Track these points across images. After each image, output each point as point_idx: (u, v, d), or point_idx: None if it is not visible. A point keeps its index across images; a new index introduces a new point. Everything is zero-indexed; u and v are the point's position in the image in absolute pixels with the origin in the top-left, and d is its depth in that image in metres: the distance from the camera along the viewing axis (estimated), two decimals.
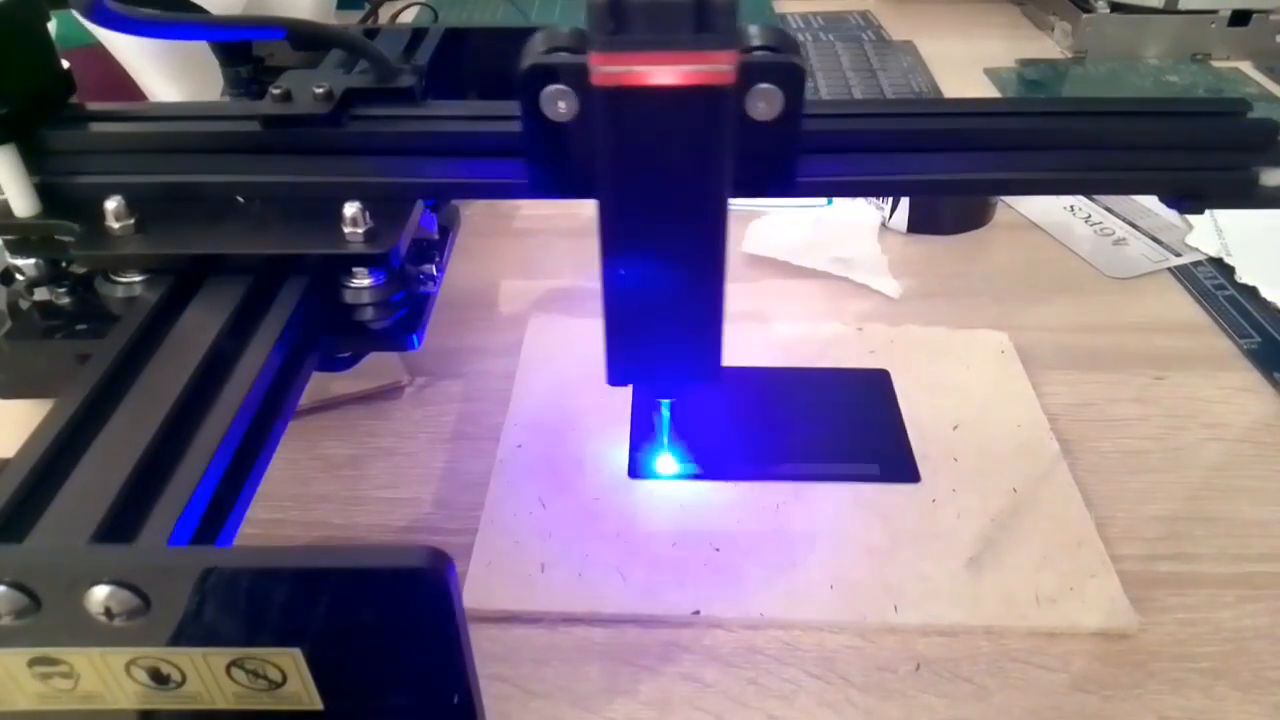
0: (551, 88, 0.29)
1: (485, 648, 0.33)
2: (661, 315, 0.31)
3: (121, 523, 0.25)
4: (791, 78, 0.29)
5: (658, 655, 0.33)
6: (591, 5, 0.25)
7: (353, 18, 0.78)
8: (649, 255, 0.30)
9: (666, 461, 0.40)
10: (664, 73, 0.26)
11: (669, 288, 0.30)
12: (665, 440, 0.40)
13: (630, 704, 0.32)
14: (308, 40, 0.37)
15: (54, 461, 0.27)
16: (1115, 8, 0.80)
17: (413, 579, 0.23)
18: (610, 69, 0.26)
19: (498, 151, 0.35)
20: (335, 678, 0.25)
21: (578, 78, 0.28)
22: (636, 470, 0.40)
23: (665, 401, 0.39)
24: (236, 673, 0.25)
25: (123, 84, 0.56)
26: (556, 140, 0.30)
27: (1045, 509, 0.38)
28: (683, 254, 0.30)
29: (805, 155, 0.32)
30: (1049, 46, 0.85)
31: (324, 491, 0.40)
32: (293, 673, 0.25)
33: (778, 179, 0.32)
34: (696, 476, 0.40)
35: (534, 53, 0.29)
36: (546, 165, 0.31)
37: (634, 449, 0.41)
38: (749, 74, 0.29)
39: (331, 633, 0.24)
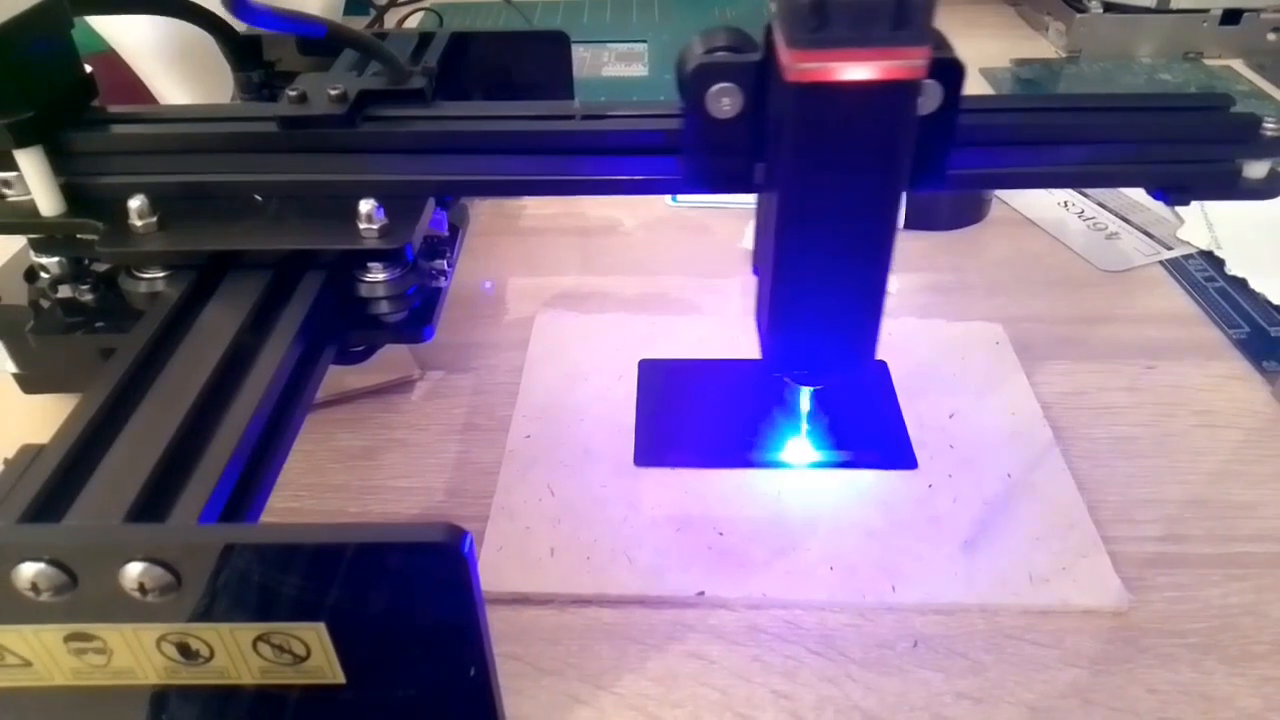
0: (718, 86, 0.30)
1: (498, 628, 0.34)
2: (826, 305, 0.32)
3: (152, 505, 0.26)
4: (952, 74, 0.30)
5: (664, 634, 0.35)
6: (792, 5, 0.26)
7: (359, 23, 0.79)
8: (824, 246, 0.30)
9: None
10: (863, 69, 0.27)
11: (839, 277, 0.31)
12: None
13: (638, 680, 0.33)
14: (334, 41, 0.39)
15: (87, 447, 0.28)
16: (1108, 7, 0.81)
17: (432, 553, 0.24)
18: (809, 65, 0.27)
19: (507, 150, 0.36)
20: (356, 651, 0.26)
21: (746, 76, 0.30)
22: (642, 458, 0.41)
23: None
24: (262, 647, 0.26)
25: (134, 89, 0.57)
26: (717, 137, 0.31)
27: (1038, 493, 0.39)
28: (857, 245, 0.30)
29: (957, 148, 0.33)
30: (1043, 46, 0.86)
31: (339, 481, 0.41)
32: (316, 647, 0.26)
33: (931, 172, 0.33)
34: (702, 464, 0.41)
35: (696, 55, 0.31)
36: (705, 161, 0.33)
37: (639, 437, 0.42)
38: None
39: (353, 607, 0.25)
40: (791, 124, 0.28)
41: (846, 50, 0.26)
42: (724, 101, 0.30)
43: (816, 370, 0.35)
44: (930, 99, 0.31)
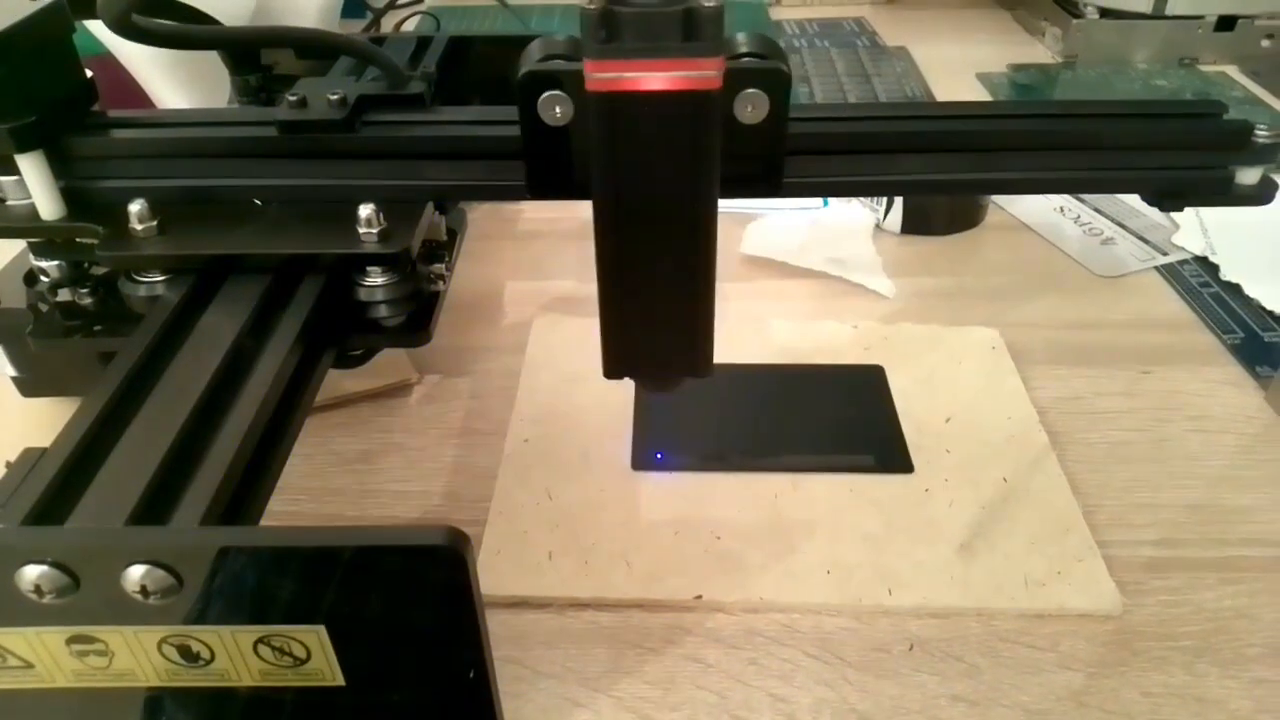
0: (548, 94, 0.30)
1: (496, 631, 0.34)
2: (654, 311, 0.32)
3: (154, 508, 0.27)
4: (776, 83, 0.31)
5: (662, 637, 0.35)
6: (584, 15, 0.26)
7: (356, 26, 0.79)
8: (641, 253, 0.31)
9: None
10: (654, 79, 0.27)
11: (661, 285, 0.31)
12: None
13: (636, 683, 0.33)
14: (325, 49, 0.39)
15: (89, 451, 0.28)
16: (1104, 13, 0.82)
17: (432, 555, 0.24)
18: (603, 75, 0.27)
19: (506, 155, 0.36)
20: (356, 654, 0.26)
21: (573, 84, 0.30)
22: (640, 462, 0.41)
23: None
24: (263, 649, 0.26)
25: (131, 92, 0.57)
26: (553, 144, 0.32)
27: (1034, 497, 0.39)
28: (674, 252, 0.31)
29: (793, 156, 0.33)
30: (1040, 51, 0.86)
31: (337, 485, 0.41)
32: (316, 649, 0.26)
33: (765, 180, 0.34)
34: (700, 469, 0.41)
35: (530, 60, 0.31)
36: (544, 168, 0.33)
37: (637, 442, 0.42)
38: (736, 79, 0.30)
39: (354, 609, 0.25)
40: (595, 132, 0.28)
41: (637, 61, 0.27)
42: (555, 109, 0.31)
43: (652, 376, 0.35)
44: (757, 108, 0.31)
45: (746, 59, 0.31)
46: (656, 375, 0.35)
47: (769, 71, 0.31)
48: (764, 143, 0.32)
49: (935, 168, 0.37)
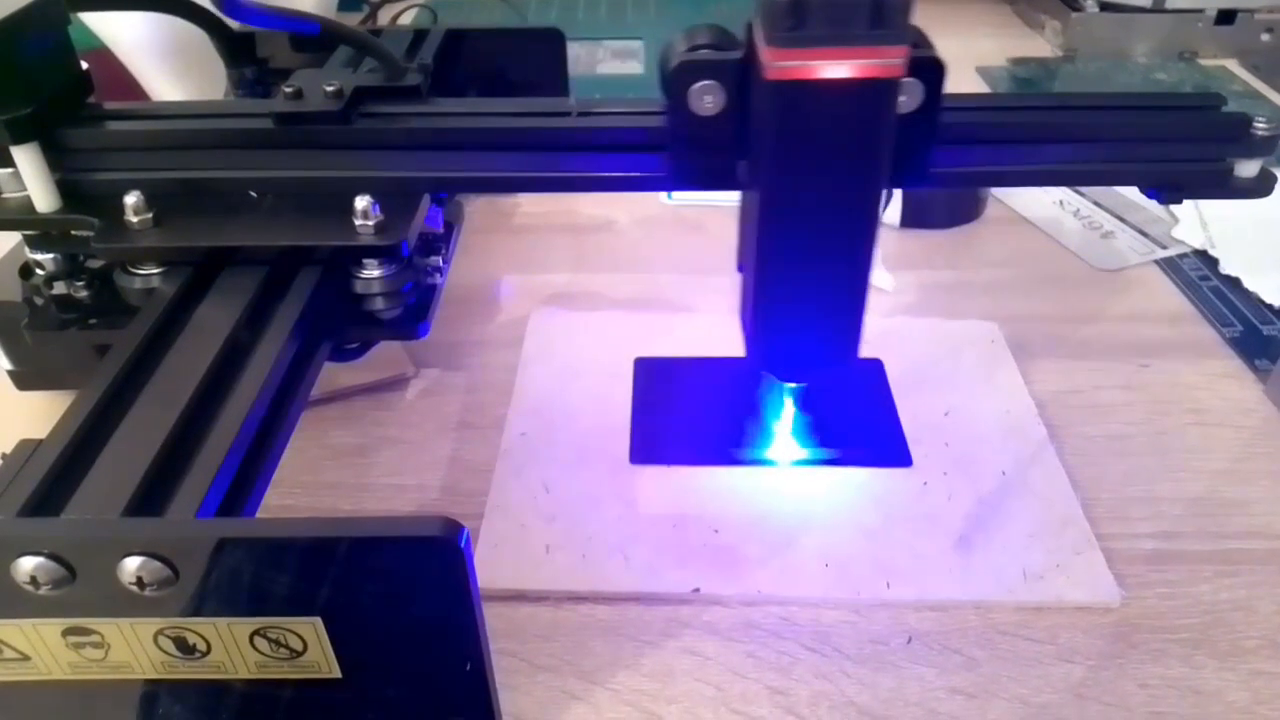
0: (700, 83, 0.30)
1: (493, 625, 0.34)
2: (810, 301, 0.32)
3: (150, 499, 0.27)
4: (933, 72, 0.31)
5: (659, 631, 0.35)
6: (770, 3, 0.26)
7: (353, 19, 0.79)
8: (804, 242, 0.30)
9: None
10: (841, 67, 0.27)
11: (821, 274, 0.31)
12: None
13: (633, 676, 0.33)
14: (326, 38, 0.39)
15: (84, 442, 0.28)
16: (1104, 7, 0.82)
17: (428, 547, 0.24)
18: (786, 64, 0.27)
19: (502, 146, 0.36)
20: (353, 646, 0.26)
21: (729, 74, 0.30)
22: (638, 456, 0.41)
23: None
24: (259, 642, 0.26)
25: (126, 86, 0.57)
26: (701, 134, 0.32)
27: (1033, 490, 0.39)
28: (838, 242, 0.31)
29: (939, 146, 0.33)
30: (1040, 45, 0.86)
31: (333, 479, 0.41)
32: (313, 641, 0.26)
33: (914, 170, 0.33)
34: (697, 462, 0.41)
35: (678, 52, 0.31)
36: (690, 158, 0.33)
37: (635, 435, 0.42)
38: None
39: (350, 601, 0.25)
40: (771, 121, 0.28)
41: (824, 49, 0.27)
42: (706, 99, 0.31)
43: (800, 368, 0.35)
44: (911, 97, 0.31)
45: None
46: (802, 365, 0.35)
47: (927, 61, 0.31)
48: (915, 132, 0.32)
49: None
